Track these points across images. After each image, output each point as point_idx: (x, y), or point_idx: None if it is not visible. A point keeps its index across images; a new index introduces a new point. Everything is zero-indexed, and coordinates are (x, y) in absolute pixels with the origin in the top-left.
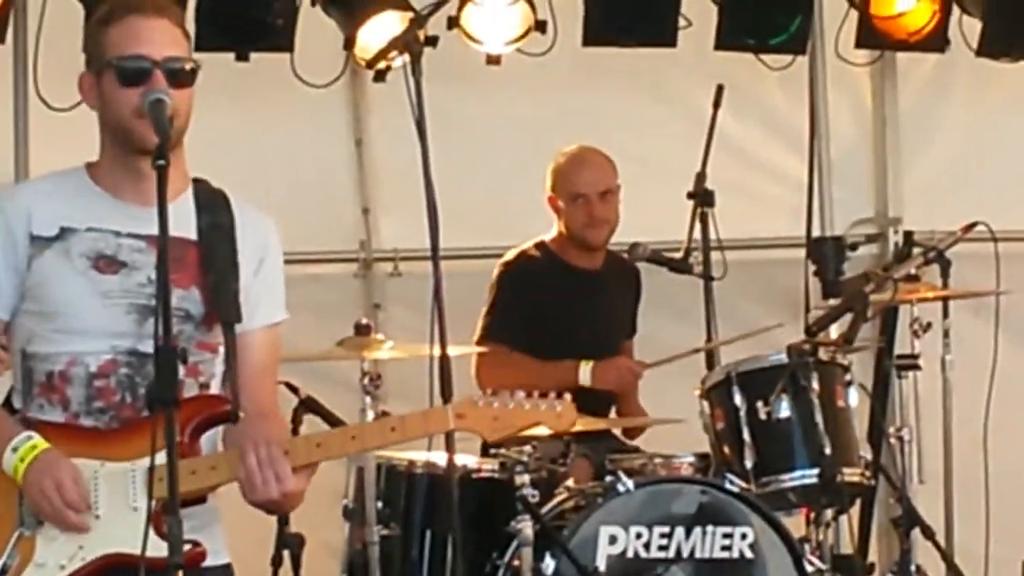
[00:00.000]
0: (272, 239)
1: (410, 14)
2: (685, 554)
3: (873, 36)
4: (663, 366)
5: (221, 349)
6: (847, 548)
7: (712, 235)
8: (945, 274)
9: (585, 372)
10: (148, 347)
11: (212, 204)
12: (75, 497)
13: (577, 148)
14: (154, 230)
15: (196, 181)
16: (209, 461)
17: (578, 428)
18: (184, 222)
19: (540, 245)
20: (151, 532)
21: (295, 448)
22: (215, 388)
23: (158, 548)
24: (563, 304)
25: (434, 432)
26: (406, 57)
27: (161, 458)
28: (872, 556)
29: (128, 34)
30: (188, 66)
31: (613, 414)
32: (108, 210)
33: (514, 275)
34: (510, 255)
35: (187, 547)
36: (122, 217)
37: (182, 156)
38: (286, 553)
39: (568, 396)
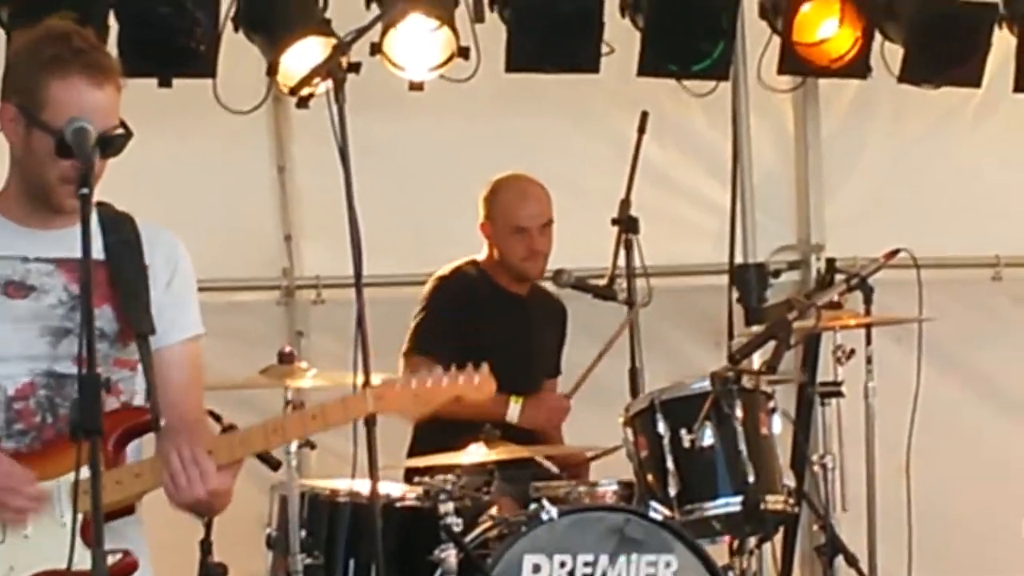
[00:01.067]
0: (180, 253)
1: (333, 40)
2: None
3: (795, 62)
4: (587, 395)
5: (139, 366)
6: None
7: (636, 262)
8: (868, 301)
9: (515, 410)
10: (64, 368)
11: (117, 224)
12: (22, 476)
13: (515, 178)
14: (62, 252)
15: (99, 204)
16: (133, 469)
17: (504, 456)
18: (92, 242)
19: (474, 264)
20: (80, 545)
21: (218, 447)
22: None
23: (88, 561)
24: (494, 324)
25: (355, 417)
26: (329, 83)
27: (85, 472)
28: None
29: (73, 100)
30: (124, 136)
31: None
32: (12, 237)
33: (449, 289)
34: (446, 269)
35: (119, 556)
36: (27, 242)
37: None
38: None
39: (486, 366)
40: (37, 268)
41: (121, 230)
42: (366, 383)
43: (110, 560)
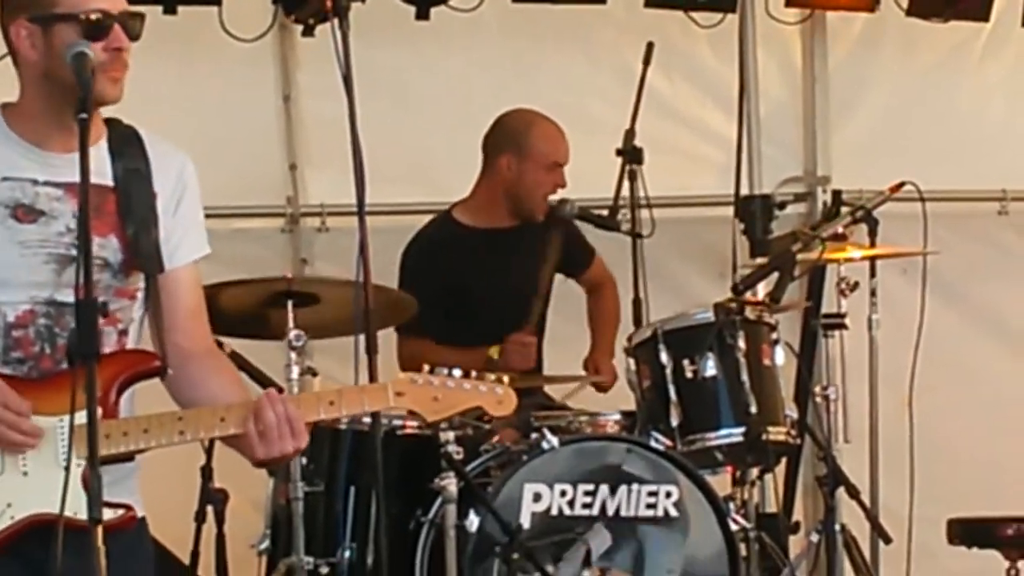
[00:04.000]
0: (187, 174)
1: None
2: (610, 512)
3: None
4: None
5: (139, 295)
6: (772, 507)
7: (640, 193)
8: (873, 233)
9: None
10: (66, 297)
11: (127, 148)
12: (20, 407)
13: (540, 115)
14: (72, 178)
15: (108, 123)
16: (141, 424)
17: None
18: (100, 168)
19: (444, 218)
20: (80, 492)
21: (306, 405)
22: (133, 334)
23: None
24: (474, 273)
25: (372, 409)
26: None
27: (83, 417)
28: (797, 515)
29: None
30: (141, 17)
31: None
32: (25, 158)
33: (415, 259)
34: (411, 238)
35: (119, 512)
36: (40, 165)
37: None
38: (210, 508)
39: (507, 379)
40: (47, 192)
41: (130, 154)
42: (370, 318)
43: (110, 514)
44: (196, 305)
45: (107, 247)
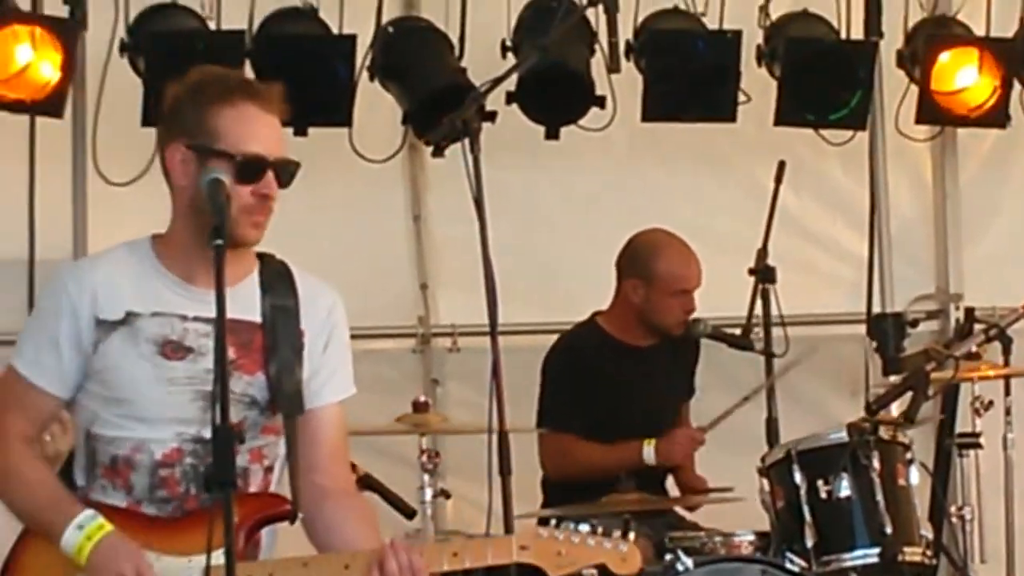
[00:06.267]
0: (337, 314)
1: (469, 90)
2: None
3: (933, 111)
4: (723, 433)
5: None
6: None
7: (774, 311)
8: (1007, 351)
9: (649, 452)
10: None
11: (276, 284)
12: None
13: (670, 237)
14: None
15: (260, 257)
16: (267, 567)
17: (639, 506)
18: (249, 304)
19: (589, 324)
20: None
21: (429, 554)
22: (277, 472)
23: None
24: (616, 383)
25: (496, 563)
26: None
27: (217, 558)
28: None
29: (246, 126)
30: (295, 166)
31: (671, 486)
32: (174, 293)
33: (563, 360)
34: (557, 340)
35: None
36: (188, 301)
37: None
38: None
39: (632, 536)
40: (195, 328)
41: (280, 291)
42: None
43: None
44: (338, 445)
45: (255, 385)
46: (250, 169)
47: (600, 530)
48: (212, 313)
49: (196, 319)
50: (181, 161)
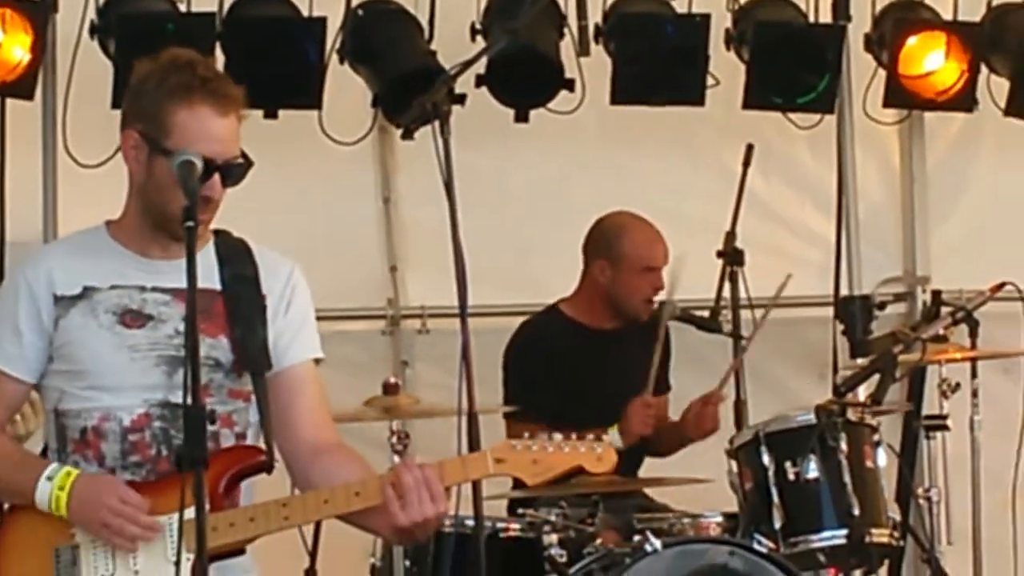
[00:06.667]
0: (295, 278)
1: (438, 72)
2: None
3: (901, 95)
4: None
5: (253, 397)
6: None
7: (742, 293)
8: (973, 334)
9: (614, 436)
10: (179, 398)
11: (234, 255)
12: (139, 501)
13: (635, 217)
14: (179, 283)
15: (216, 233)
16: (248, 512)
17: (608, 488)
18: (207, 273)
19: (550, 312)
20: None
21: (445, 471)
22: (251, 438)
23: None
24: (578, 367)
25: (474, 478)
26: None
27: (193, 513)
28: None
29: (198, 127)
30: (245, 166)
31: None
32: (130, 267)
33: (522, 347)
34: (517, 330)
35: None
36: (145, 273)
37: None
38: None
39: (607, 438)
40: (154, 298)
41: (239, 262)
42: (472, 421)
43: None
44: (319, 401)
45: (217, 347)
46: (191, 175)
47: (574, 435)
48: (170, 283)
49: (155, 289)
50: (133, 147)
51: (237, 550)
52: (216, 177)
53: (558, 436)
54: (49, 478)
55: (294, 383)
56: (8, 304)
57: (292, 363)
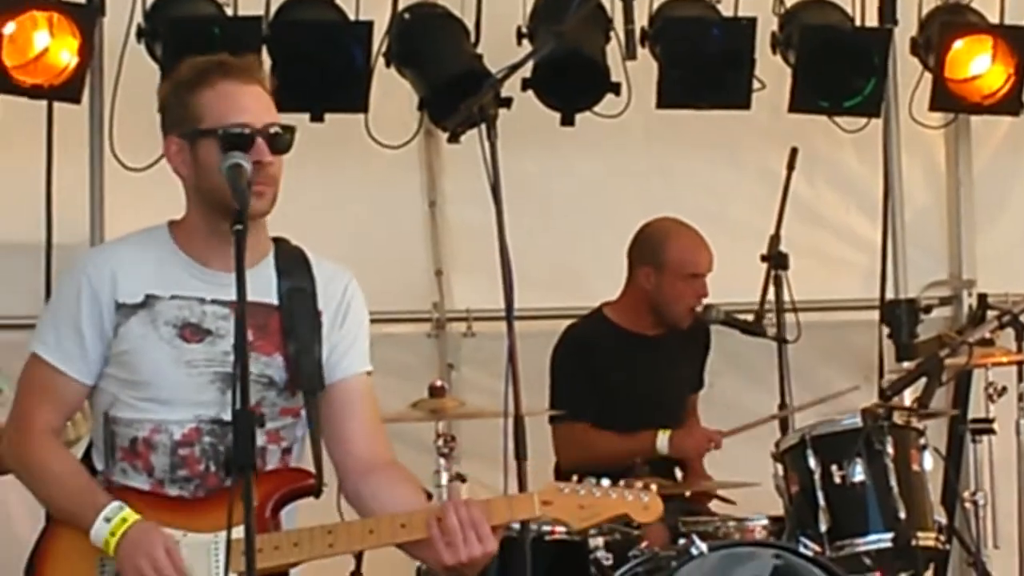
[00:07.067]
0: (352, 292)
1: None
2: None
3: (947, 99)
4: (736, 418)
5: (303, 412)
6: None
7: (786, 297)
8: (1020, 338)
9: (664, 441)
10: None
11: (292, 267)
12: (170, 572)
13: (680, 223)
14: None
15: (276, 241)
16: (291, 537)
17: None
18: (265, 287)
19: (595, 315)
20: None
21: (490, 510)
22: (296, 452)
23: None
24: (623, 372)
25: (519, 519)
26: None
27: (240, 532)
28: None
29: (225, 101)
30: (288, 131)
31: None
32: (192, 277)
33: (568, 352)
34: (563, 333)
35: None
36: (205, 284)
37: (265, 220)
38: None
39: (654, 487)
40: (213, 311)
41: (297, 274)
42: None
43: None
44: (371, 416)
45: (272, 365)
46: (235, 140)
47: (622, 483)
48: (229, 296)
49: (214, 302)
50: (177, 152)
51: (280, 574)
52: (261, 143)
53: (606, 482)
54: (107, 519)
55: (349, 396)
56: (69, 303)
57: (345, 376)
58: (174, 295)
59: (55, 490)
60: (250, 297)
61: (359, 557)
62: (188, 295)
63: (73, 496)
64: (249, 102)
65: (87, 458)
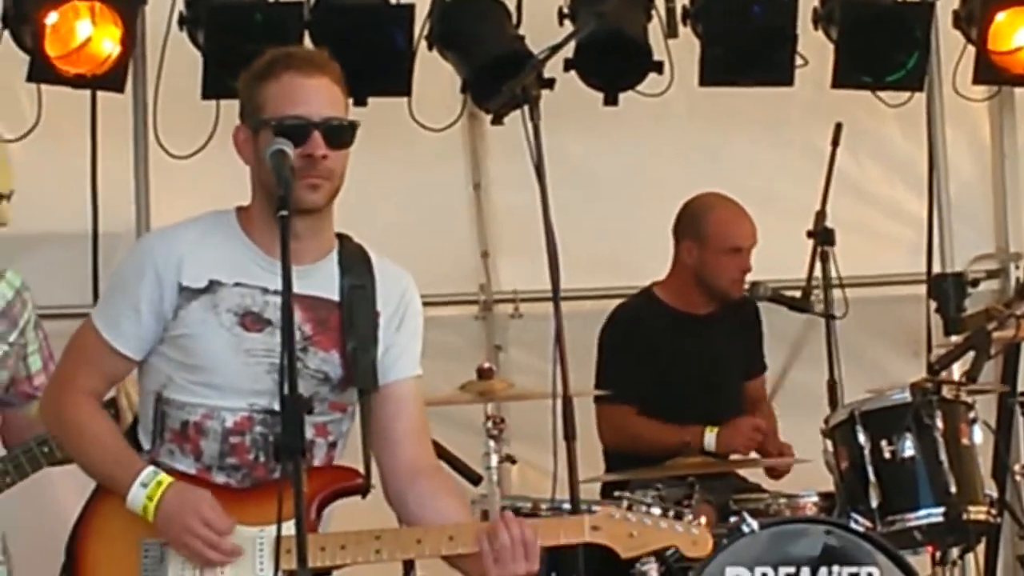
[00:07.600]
0: (410, 295)
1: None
2: None
3: (991, 71)
4: (785, 395)
5: (350, 409)
6: None
7: (833, 273)
8: None
9: (711, 439)
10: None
11: (354, 264)
12: (223, 525)
13: (722, 198)
14: (301, 289)
15: (340, 238)
16: (339, 540)
17: (703, 469)
18: (328, 283)
19: (646, 294)
20: None
21: (543, 530)
22: (340, 447)
23: None
24: (673, 353)
25: (568, 542)
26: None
27: (288, 528)
28: None
29: (286, 93)
30: (346, 125)
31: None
32: (257, 266)
33: (618, 331)
34: (612, 312)
35: None
36: (270, 274)
37: (330, 215)
38: None
39: (704, 520)
40: (275, 301)
41: (358, 273)
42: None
43: None
44: (420, 420)
45: (329, 361)
46: (289, 131)
47: (672, 513)
48: (293, 288)
49: (277, 292)
50: (244, 141)
51: (322, 573)
52: (317, 135)
53: (656, 511)
54: (144, 484)
55: (400, 398)
56: (131, 282)
57: (397, 378)
58: (238, 282)
59: (93, 450)
60: (313, 292)
61: (408, 566)
62: (251, 283)
63: (108, 458)
64: (308, 95)
65: (132, 435)
